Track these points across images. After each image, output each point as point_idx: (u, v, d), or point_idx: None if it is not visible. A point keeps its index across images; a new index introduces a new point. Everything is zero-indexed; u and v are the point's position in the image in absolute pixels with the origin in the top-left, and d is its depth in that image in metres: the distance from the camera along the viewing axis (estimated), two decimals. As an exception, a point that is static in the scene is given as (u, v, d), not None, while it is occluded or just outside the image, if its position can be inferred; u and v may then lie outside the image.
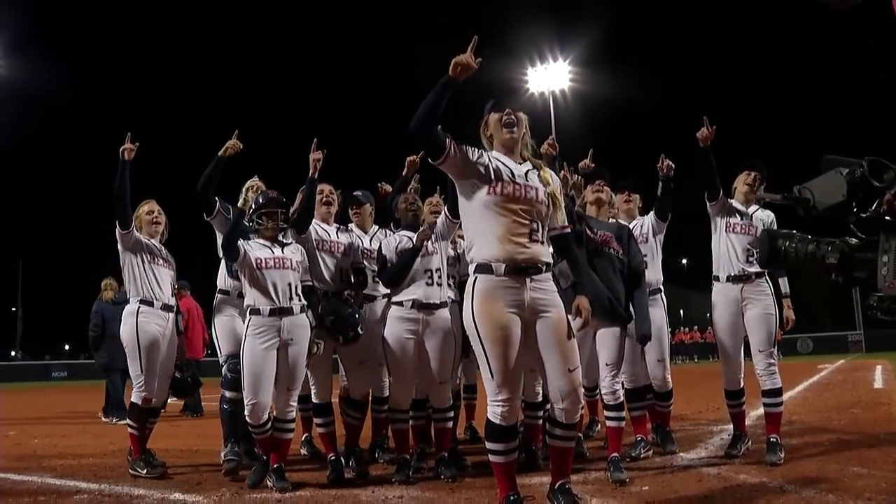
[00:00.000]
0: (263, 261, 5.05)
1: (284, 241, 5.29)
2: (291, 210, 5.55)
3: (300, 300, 5.13)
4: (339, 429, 5.52)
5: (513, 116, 3.93)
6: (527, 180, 3.84)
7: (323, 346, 5.24)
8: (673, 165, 5.86)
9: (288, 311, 5.03)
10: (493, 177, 3.77)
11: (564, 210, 4.07)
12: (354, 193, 6.08)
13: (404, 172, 6.17)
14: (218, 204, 5.71)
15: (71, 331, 62.56)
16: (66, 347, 65.83)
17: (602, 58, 44.75)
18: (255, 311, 5.01)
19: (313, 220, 5.55)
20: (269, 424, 5.05)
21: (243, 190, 5.85)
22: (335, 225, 5.73)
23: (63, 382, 36.90)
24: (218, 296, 5.85)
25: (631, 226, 5.78)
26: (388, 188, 6.43)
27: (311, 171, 5.41)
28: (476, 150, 3.86)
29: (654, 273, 5.87)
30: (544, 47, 37.72)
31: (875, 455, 5.41)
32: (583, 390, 3.87)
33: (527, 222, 3.76)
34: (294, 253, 5.22)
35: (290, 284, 5.08)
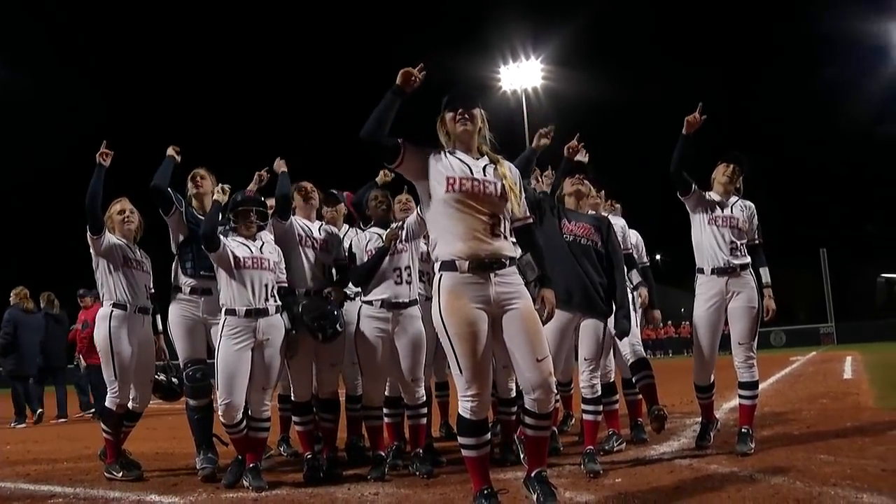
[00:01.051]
0: (242, 260, 5.05)
1: (262, 239, 5.30)
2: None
3: (275, 301, 5.14)
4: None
5: (465, 115, 3.95)
6: (484, 175, 3.88)
7: (297, 349, 5.26)
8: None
9: (263, 312, 5.05)
10: (450, 175, 3.81)
11: (525, 201, 4.11)
12: (331, 191, 6.08)
13: (379, 178, 6.19)
14: (175, 201, 5.61)
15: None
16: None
17: (574, 56, 45.01)
18: (231, 312, 5.01)
19: (296, 217, 5.57)
20: (244, 424, 5.05)
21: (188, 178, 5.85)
22: (317, 222, 5.73)
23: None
24: (173, 294, 5.70)
25: None
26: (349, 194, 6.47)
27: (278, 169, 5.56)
28: (432, 150, 3.91)
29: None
30: (517, 45, 37.87)
31: (842, 443, 5.53)
32: (554, 380, 3.90)
33: (486, 218, 3.81)
34: (272, 253, 5.23)
35: (266, 285, 5.09)
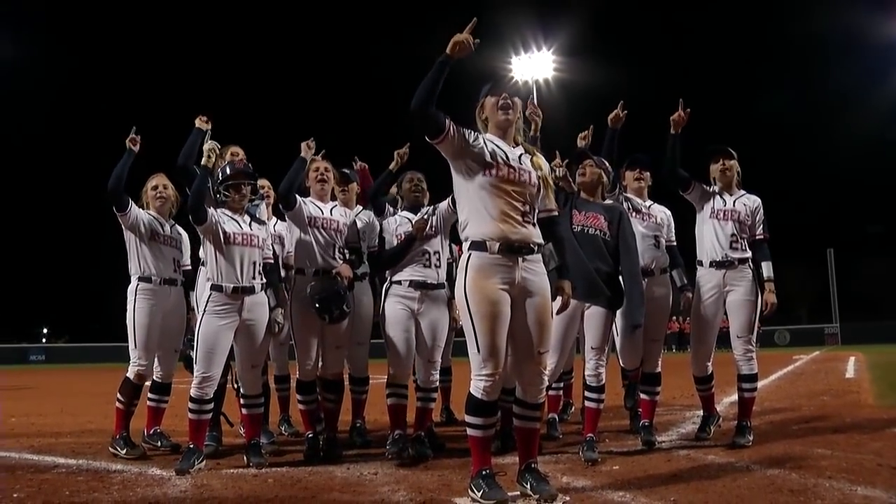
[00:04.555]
0: (232, 235, 5.01)
1: (257, 216, 5.31)
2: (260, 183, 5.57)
3: (261, 278, 5.12)
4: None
5: (509, 101, 4.01)
6: (520, 163, 3.94)
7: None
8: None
9: (250, 290, 5.02)
10: (488, 159, 3.86)
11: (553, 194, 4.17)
12: (343, 171, 6.04)
13: (392, 165, 6.13)
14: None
15: (48, 314, 62.14)
16: (44, 331, 65.34)
17: (586, 47, 44.90)
18: (217, 288, 4.97)
19: (308, 198, 5.55)
20: (211, 406, 5.03)
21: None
22: (331, 202, 5.71)
23: (41, 366, 36.67)
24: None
25: (647, 206, 5.88)
26: (364, 165, 6.43)
27: (302, 153, 5.44)
28: (472, 133, 3.94)
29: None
30: (528, 36, 37.68)
31: (840, 438, 5.57)
32: (548, 374, 3.97)
33: (520, 204, 3.86)
34: (260, 229, 5.21)
35: (254, 263, 5.06)
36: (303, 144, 5.46)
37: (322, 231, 5.47)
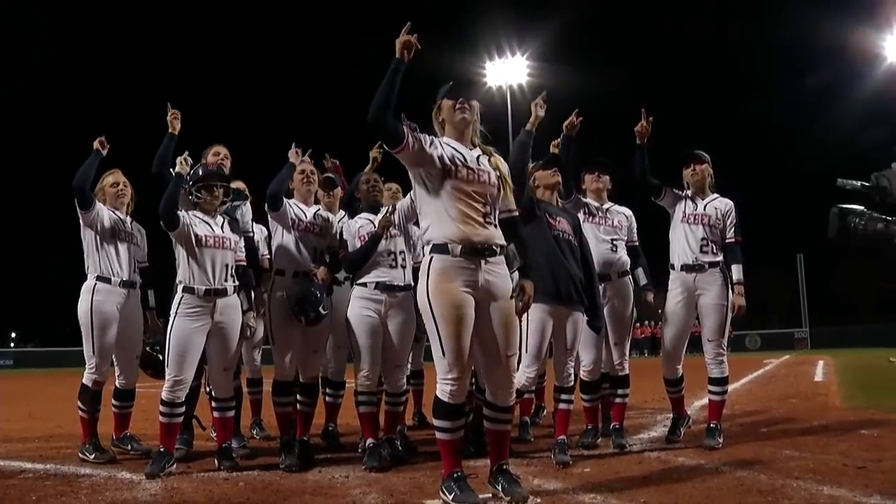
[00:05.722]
0: (204, 238, 4.98)
1: (238, 216, 5.28)
2: (236, 185, 5.56)
3: (233, 280, 5.10)
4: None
5: (466, 104, 4.02)
6: (479, 165, 3.94)
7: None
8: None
9: (222, 293, 4.99)
10: (446, 162, 3.86)
11: (514, 194, 4.17)
12: (327, 175, 6.03)
13: (367, 168, 6.10)
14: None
15: (17, 318, 61.17)
16: (13, 335, 64.33)
17: (560, 53, 45.14)
18: (189, 290, 4.93)
19: (293, 200, 5.52)
20: (182, 409, 4.99)
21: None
22: (314, 206, 5.68)
23: (9, 371, 36.09)
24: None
25: (605, 208, 5.90)
26: (335, 162, 6.42)
27: (291, 159, 5.45)
28: (428, 137, 3.93)
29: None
30: (502, 41, 37.89)
31: (808, 440, 5.65)
32: (517, 376, 3.99)
33: (480, 206, 3.87)
34: (233, 232, 5.20)
35: (227, 265, 5.04)
36: (290, 152, 5.46)
37: (304, 233, 5.43)
